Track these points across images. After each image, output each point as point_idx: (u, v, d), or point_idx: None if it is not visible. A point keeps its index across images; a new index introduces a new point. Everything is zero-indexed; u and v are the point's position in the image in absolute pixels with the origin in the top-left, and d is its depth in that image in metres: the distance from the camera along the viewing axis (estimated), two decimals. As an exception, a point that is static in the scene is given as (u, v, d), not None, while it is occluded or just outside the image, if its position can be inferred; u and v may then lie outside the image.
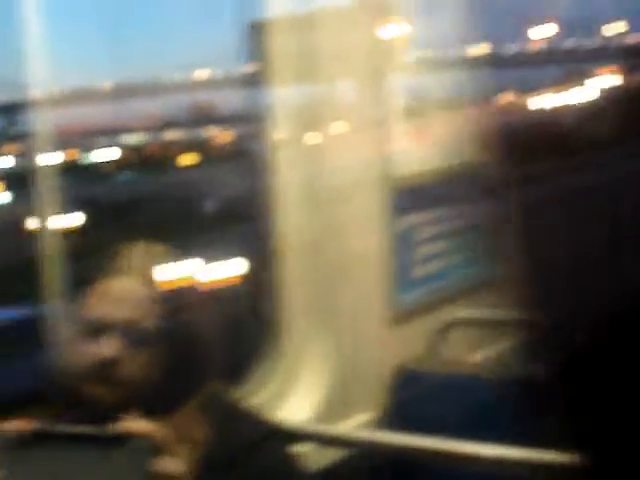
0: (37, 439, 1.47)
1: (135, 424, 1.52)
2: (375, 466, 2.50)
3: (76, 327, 1.83)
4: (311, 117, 3.16)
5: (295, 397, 2.93)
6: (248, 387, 2.91)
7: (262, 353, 3.01)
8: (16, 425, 1.50)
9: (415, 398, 2.90)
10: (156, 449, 1.51)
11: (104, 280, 1.87)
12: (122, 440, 1.47)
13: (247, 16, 3.09)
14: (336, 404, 2.95)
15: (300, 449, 2.35)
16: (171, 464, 1.54)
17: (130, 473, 1.46)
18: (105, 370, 1.75)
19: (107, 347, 1.75)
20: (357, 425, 2.98)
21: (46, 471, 1.45)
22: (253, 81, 3.15)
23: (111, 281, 1.86)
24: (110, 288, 1.85)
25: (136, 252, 1.92)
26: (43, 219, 3.26)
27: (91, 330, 1.78)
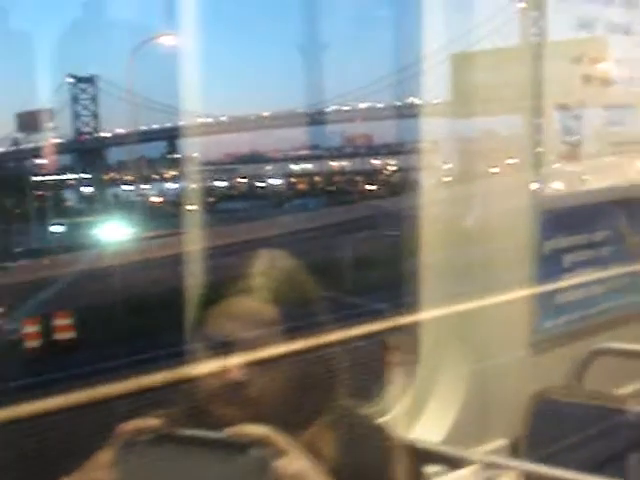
0: (158, 440, 1.49)
1: (256, 429, 1.52)
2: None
3: (203, 346, 1.84)
4: (474, 150, 3.17)
5: (428, 417, 2.91)
6: (380, 405, 2.90)
7: (396, 371, 3.00)
8: (138, 425, 1.52)
9: (554, 428, 2.81)
10: (277, 453, 1.51)
11: (231, 299, 1.85)
12: (243, 445, 1.47)
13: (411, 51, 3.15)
14: (470, 427, 2.90)
15: (431, 470, 2.32)
16: (294, 464, 1.54)
17: (251, 477, 1.46)
18: (232, 390, 1.75)
19: (234, 367, 1.75)
20: (491, 451, 2.92)
21: (165, 473, 1.47)
22: (414, 113, 3.17)
23: (238, 300, 1.85)
24: (237, 307, 1.84)
25: (263, 270, 1.90)
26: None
27: (218, 349, 1.78)
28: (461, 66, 3.17)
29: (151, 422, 1.52)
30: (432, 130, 3.15)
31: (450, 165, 3.29)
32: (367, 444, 1.92)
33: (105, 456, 1.54)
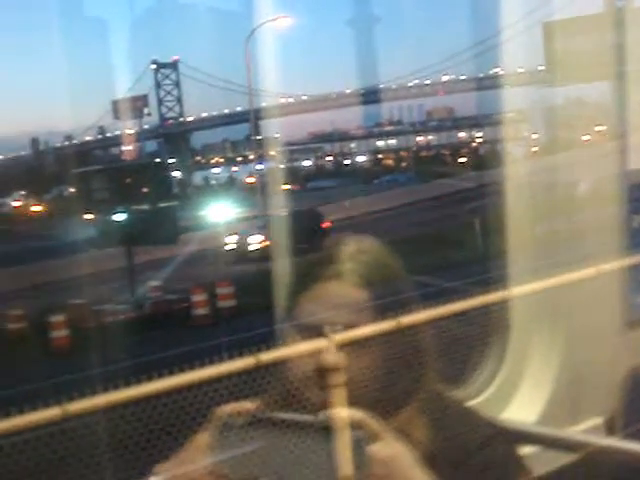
0: (254, 423, 1.50)
1: (350, 413, 1.51)
2: (603, 473, 2.40)
3: (294, 332, 1.83)
4: (563, 117, 3.13)
5: (520, 398, 2.88)
6: (472, 387, 2.88)
7: (487, 352, 2.97)
8: (235, 407, 1.53)
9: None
10: (371, 437, 1.51)
11: (322, 283, 1.85)
12: (335, 429, 1.47)
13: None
14: (563, 407, 2.86)
15: (526, 451, 2.30)
16: (388, 449, 1.54)
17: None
18: (323, 376, 1.68)
19: (324, 353, 1.67)
20: (585, 429, 2.88)
21: (261, 455, 1.48)
22: (498, 83, 3.14)
23: (329, 284, 1.84)
24: (329, 291, 1.84)
25: (353, 254, 1.89)
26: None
27: (310, 334, 1.73)
28: (550, 34, 3.13)
29: (248, 405, 1.53)
30: (518, 100, 3.11)
31: (538, 135, 3.25)
32: (459, 427, 1.91)
33: (203, 438, 1.57)
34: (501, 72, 3.11)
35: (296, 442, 1.47)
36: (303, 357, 1.73)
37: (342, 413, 1.50)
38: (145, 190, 21.32)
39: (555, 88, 3.20)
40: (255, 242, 25.81)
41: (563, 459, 2.51)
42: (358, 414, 1.53)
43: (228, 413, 1.53)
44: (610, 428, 2.91)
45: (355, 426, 1.50)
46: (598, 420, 2.95)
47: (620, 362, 3.02)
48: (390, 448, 1.54)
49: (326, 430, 1.48)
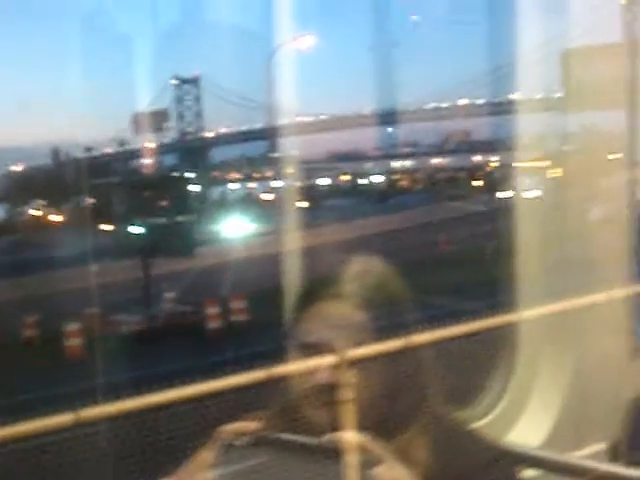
0: (257, 443, 1.51)
1: (353, 436, 1.51)
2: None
3: (295, 350, 1.85)
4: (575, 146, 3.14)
5: (525, 422, 2.89)
6: (477, 409, 2.89)
7: (493, 376, 2.99)
8: (238, 427, 1.55)
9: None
10: (374, 461, 1.53)
11: (323, 303, 1.87)
12: (339, 452, 1.48)
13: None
14: (568, 432, 2.87)
15: (529, 475, 2.31)
16: (391, 472, 1.55)
17: None
18: (324, 395, 1.73)
19: (325, 372, 1.71)
20: (589, 454, 2.89)
21: (263, 475, 1.49)
22: (512, 109, 3.15)
23: (331, 304, 1.86)
24: (330, 312, 1.86)
25: (356, 275, 1.90)
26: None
27: (310, 354, 1.75)
28: (568, 61, 3.15)
29: (251, 425, 1.55)
30: (534, 125, 3.13)
31: (550, 162, 3.26)
32: (462, 450, 1.91)
33: (205, 456, 1.58)
34: (518, 98, 3.13)
35: (299, 464, 1.49)
36: (308, 376, 1.76)
37: (344, 436, 1.50)
38: (163, 203, 21.31)
39: (571, 115, 3.22)
40: None
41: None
42: (360, 437, 1.53)
43: (231, 432, 1.55)
44: (613, 454, 2.92)
45: (358, 449, 1.50)
46: (602, 446, 2.96)
47: (625, 389, 3.03)
48: (393, 471, 1.56)
49: (330, 453, 1.48)
